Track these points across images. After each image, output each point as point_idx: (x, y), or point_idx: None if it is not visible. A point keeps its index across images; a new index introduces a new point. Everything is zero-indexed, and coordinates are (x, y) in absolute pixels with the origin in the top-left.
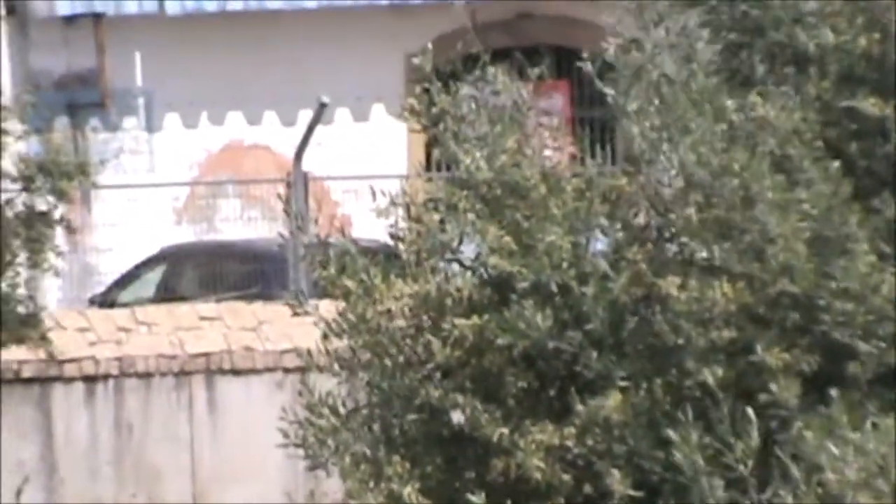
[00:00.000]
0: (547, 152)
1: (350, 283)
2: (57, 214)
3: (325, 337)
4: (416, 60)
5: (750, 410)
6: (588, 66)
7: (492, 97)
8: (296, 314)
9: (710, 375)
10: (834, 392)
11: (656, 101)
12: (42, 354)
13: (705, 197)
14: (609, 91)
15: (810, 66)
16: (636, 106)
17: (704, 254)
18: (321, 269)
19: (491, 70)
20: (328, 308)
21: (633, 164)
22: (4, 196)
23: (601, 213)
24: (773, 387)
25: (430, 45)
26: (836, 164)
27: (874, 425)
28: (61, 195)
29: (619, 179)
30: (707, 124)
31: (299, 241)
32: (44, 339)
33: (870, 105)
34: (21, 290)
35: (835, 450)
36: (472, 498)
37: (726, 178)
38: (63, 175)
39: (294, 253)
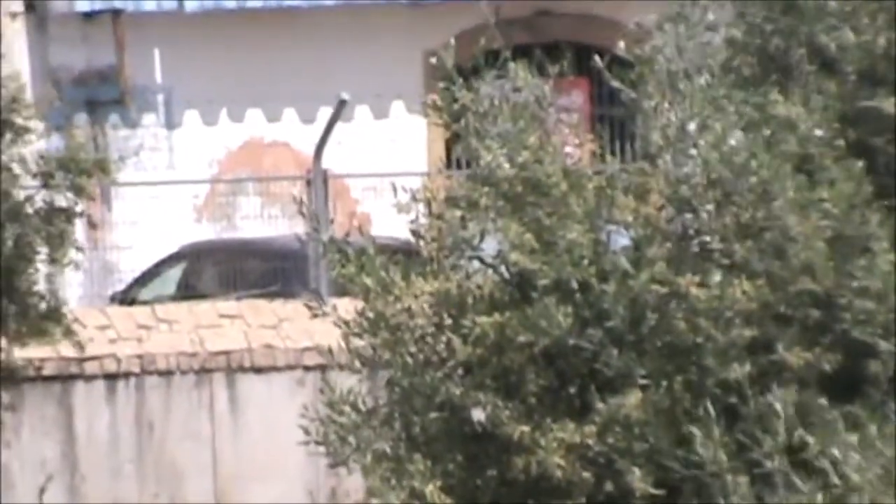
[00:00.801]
0: (568, 149)
1: (369, 282)
2: (77, 210)
3: (345, 334)
4: (433, 60)
5: (778, 406)
6: (598, 62)
7: (513, 94)
8: (315, 315)
9: (735, 372)
10: (865, 389)
11: (673, 98)
12: (65, 349)
13: (725, 195)
14: (621, 86)
15: (831, 65)
16: (653, 103)
17: (725, 253)
18: (340, 267)
19: (512, 67)
20: (348, 306)
21: (651, 162)
22: (25, 193)
23: (623, 210)
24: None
25: (452, 41)
26: (859, 163)
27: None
28: (80, 192)
29: (640, 176)
30: (728, 122)
31: (319, 240)
32: (68, 332)
33: (891, 104)
34: (41, 286)
35: (837, 453)
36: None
37: (747, 176)
38: (82, 172)
39: (314, 251)
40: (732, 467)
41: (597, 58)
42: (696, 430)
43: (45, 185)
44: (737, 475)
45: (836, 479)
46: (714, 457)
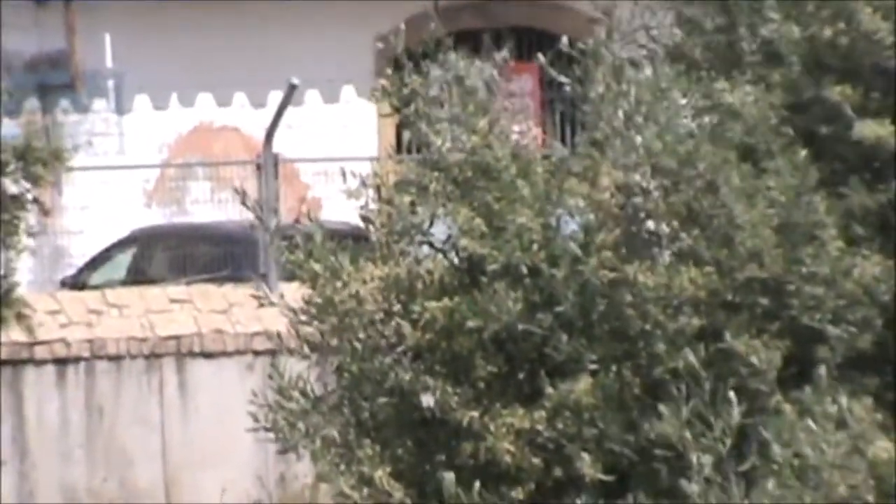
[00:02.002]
0: (517, 134)
1: (317, 267)
2: (30, 196)
3: (291, 321)
4: (380, 45)
5: (731, 394)
6: (541, 58)
7: (462, 79)
8: (261, 305)
9: (685, 359)
10: (817, 371)
11: (619, 86)
12: (16, 334)
13: (673, 183)
14: (564, 80)
15: (776, 56)
16: (600, 91)
17: (673, 239)
18: (288, 253)
19: (460, 52)
20: (297, 292)
21: (598, 149)
22: None
23: (573, 195)
24: (754, 359)
25: (402, 27)
26: (804, 152)
27: (849, 410)
28: (36, 181)
29: (589, 162)
30: (673, 112)
31: (268, 225)
32: (20, 316)
33: (836, 93)
34: None
35: (814, 426)
36: (445, 475)
37: (693, 165)
38: (38, 161)
39: (264, 235)
40: (699, 446)
41: (540, 55)
42: (662, 408)
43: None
44: (704, 453)
45: (778, 462)
46: (680, 435)
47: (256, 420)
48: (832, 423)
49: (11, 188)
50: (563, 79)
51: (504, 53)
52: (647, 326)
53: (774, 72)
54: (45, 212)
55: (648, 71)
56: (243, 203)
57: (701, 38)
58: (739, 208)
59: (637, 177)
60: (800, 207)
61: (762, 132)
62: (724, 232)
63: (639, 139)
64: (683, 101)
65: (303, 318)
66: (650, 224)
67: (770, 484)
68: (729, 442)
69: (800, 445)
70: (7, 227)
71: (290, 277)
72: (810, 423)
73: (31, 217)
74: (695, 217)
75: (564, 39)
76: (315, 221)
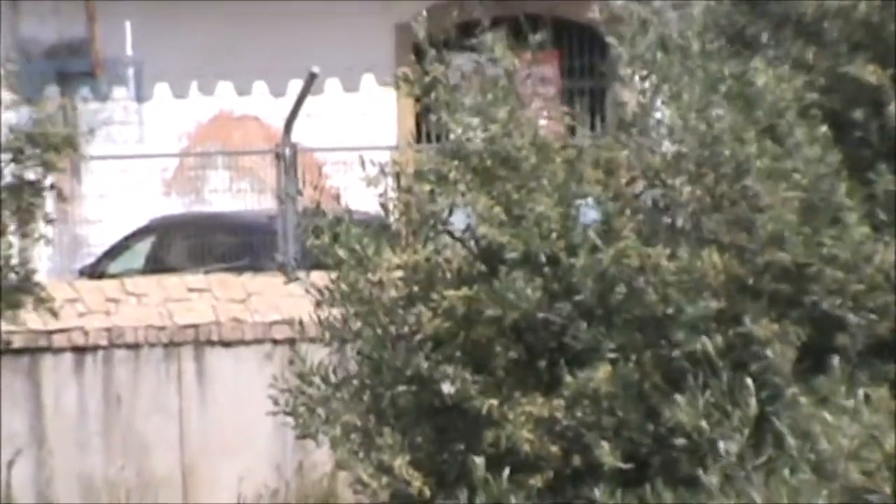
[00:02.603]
0: (538, 122)
1: (342, 253)
2: (46, 183)
3: (317, 305)
4: (417, 25)
5: (749, 381)
6: (597, 14)
7: (484, 67)
8: (288, 282)
9: (707, 344)
10: (832, 361)
11: (649, 65)
12: (34, 322)
13: (697, 166)
14: (615, 42)
15: (810, 31)
16: (629, 70)
17: (695, 225)
18: (314, 237)
19: (483, 39)
20: (318, 279)
21: (625, 131)
22: None
23: (592, 183)
24: (769, 352)
25: (424, 14)
26: (824, 129)
27: (867, 396)
28: (50, 167)
29: (610, 149)
30: (699, 90)
31: (289, 213)
32: (42, 300)
33: (868, 72)
34: (14, 260)
35: (829, 417)
36: (475, 458)
37: (717, 146)
38: (51, 147)
39: (283, 224)
40: (718, 435)
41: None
42: (679, 398)
43: (14, 160)
44: (724, 442)
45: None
46: (697, 424)
47: (276, 404)
48: (849, 413)
49: (28, 174)
50: (612, 40)
51: (536, 39)
52: (669, 311)
53: (807, 49)
54: (62, 198)
55: (678, 46)
56: (277, 194)
57: (726, 20)
58: (762, 190)
59: (660, 162)
60: (822, 189)
61: (787, 113)
62: (746, 215)
63: (663, 122)
64: (710, 83)
65: (328, 300)
66: (671, 211)
67: (786, 474)
68: (747, 431)
69: (816, 437)
70: (24, 214)
71: (309, 267)
72: (826, 415)
73: (48, 204)
74: (717, 200)
75: (596, 14)
76: (342, 207)
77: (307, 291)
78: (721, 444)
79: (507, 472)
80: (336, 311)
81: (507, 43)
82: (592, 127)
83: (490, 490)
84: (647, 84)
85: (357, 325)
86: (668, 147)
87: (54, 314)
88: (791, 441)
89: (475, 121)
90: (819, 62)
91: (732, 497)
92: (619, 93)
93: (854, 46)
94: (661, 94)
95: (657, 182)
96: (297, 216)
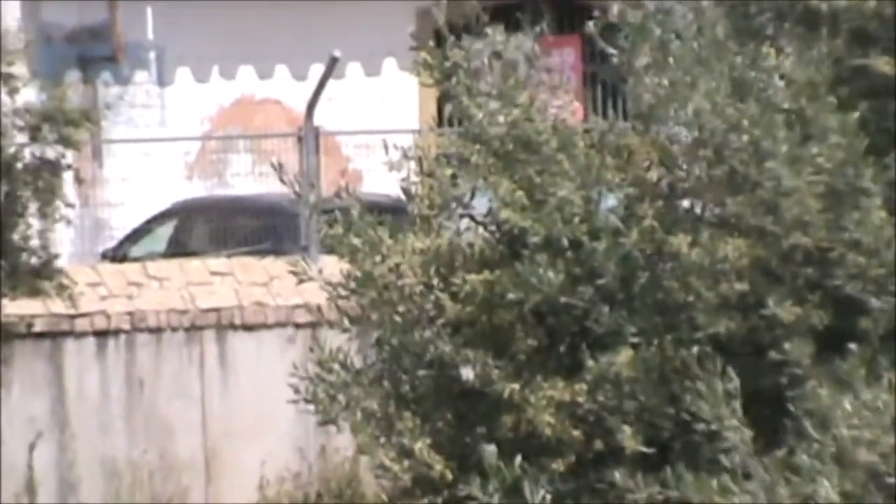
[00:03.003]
0: (557, 107)
1: (356, 241)
2: (65, 163)
3: (333, 296)
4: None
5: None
6: (592, 27)
7: (505, 52)
8: (301, 281)
9: (726, 327)
10: (850, 346)
11: (664, 58)
12: (56, 306)
13: (716, 151)
14: (613, 51)
15: (821, 24)
16: (644, 62)
17: (716, 210)
18: (327, 227)
19: (504, 24)
20: (338, 265)
21: (643, 121)
22: (13, 147)
23: (613, 169)
24: (787, 346)
25: None
26: (854, 115)
27: (889, 381)
28: (68, 143)
29: (630, 136)
30: (717, 77)
31: (308, 198)
32: (61, 287)
33: (882, 64)
34: (34, 242)
35: (849, 407)
36: (486, 446)
37: (738, 131)
38: (69, 122)
39: (304, 209)
40: (738, 422)
41: (590, 23)
42: (700, 386)
43: (33, 138)
44: (742, 429)
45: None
46: (716, 412)
47: (297, 392)
48: (869, 400)
49: (48, 153)
50: (612, 50)
51: (547, 25)
52: (690, 297)
53: (819, 41)
54: (79, 180)
55: (690, 37)
56: (281, 180)
57: (745, 7)
58: (785, 174)
59: (680, 148)
60: (845, 174)
61: (808, 97)
62: (769, 199)
63: (683, 109)
64: (727, 68)
65: (342, 292)
66: (692, 196)
67: (805, 460)
68: (767, 417)
69: (836, 424)
70: (43, 194)
71: (330, 251)
72: (846, 404)
73: (68, 186)
74: (739, 186)
75: (615, 9)
76: (353, 195)
77: (322, 288)
78: (730, 434)
79: (518, 459)
80: (353, 301)
81: (523, 28)
82: (615, 111)
83: (502, 477)
84: (662, 76)
85: (374, 313)
86: (686, 135)
87: (74, 302)
88: (810, 428)
89: (496, 105)
90: (831, 52)
91: (750, 483)
92: (635, 84)
93: (867, 38)
94: (678, 85)
95: (677, 167)
96: (310, 206)
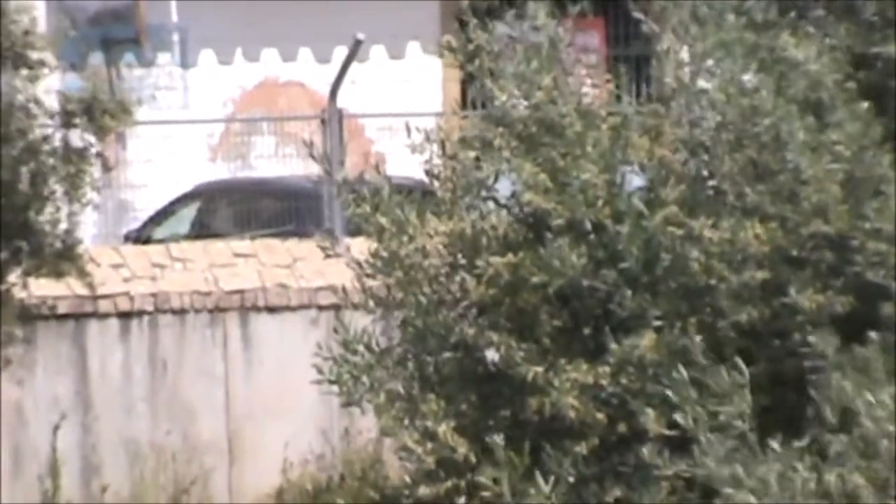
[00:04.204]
0: (583, 90)
1: (384, 221)
2: (93, 150)
3: (358, 276)
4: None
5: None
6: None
7: (528, 34)
8: (327, 256)
9: (749, 314)
10: (871, 334)
11: (685, 41)
12: (80, 288)
13: (737, 138)
14: (644, 19)
15: (844, 10)
16: (667, 45)
17: (737, 195)
18: (355, 206)
19: (528, 7)
20: (362, 246)
21: (665, 104)
22: (42, 132)
23: (637, 151)
24: (811, 339)
25: None
26: (865, 104)
27: None
28: (103, 133)
29: (654, 117)
30: (737, 64)
31: (333, 179)
32: (82, 272)
33: None
34: (63, 225)
35: (871, 397)
36: (494, 437)
37: (757, 119)
38: (105, 113)
39: (328, 190)
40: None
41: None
42: (723, 370)
43: (66, 125)
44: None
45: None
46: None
47: (321, 372)
48: (892, 392)
49: (77, 141)
50: (643, 17)
51: (579, 6)
52: (713, 282)
53: (840, 26)
54: (107, 167)
55: (713, 24)
56: (311, 155)
57: None
58: (805, 163)
59: (702, 133)
60: (865, 161)
61: (826, 86)
62: (790, 187)
63: (704, 93)
64: (748, 55)
65: (368, 271)
66: (716, 180)
67: (829, 450)
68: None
69: (858, 414)
70: (72, 180)
71: (355, 232)
72: (868, 395)
73: (95, 171)
74: (759, 172)
75: None
76: (382, 174)
77: (348, 266)
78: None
79: (528, 447)
80: (378, 280)
81: (547, 10)
82: (638, 94)
83: (513, 467)
84: (685, 59)
85: (399, 293)
86: (710, 118)
87: (92, 287)
88: (830, 417)
89: (519, 88)
90: (849, 39)
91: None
92: (659, 66)
93: (885, 24)
94: (700, 67)
95: (700, 151)
96: (337, 185)
